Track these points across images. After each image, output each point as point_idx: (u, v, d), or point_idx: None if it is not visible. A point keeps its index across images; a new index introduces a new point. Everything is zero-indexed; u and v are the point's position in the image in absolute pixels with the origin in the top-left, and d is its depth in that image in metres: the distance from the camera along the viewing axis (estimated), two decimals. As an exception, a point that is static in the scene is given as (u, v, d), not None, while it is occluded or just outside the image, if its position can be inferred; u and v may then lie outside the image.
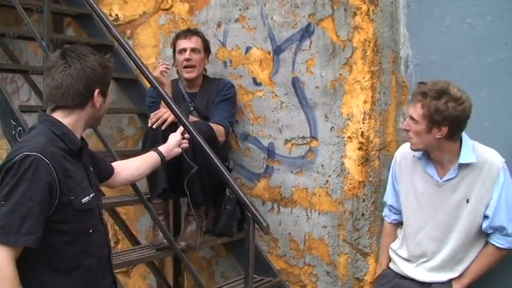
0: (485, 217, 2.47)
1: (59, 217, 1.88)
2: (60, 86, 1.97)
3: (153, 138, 3.03)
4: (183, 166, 2.93)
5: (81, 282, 1.97)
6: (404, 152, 2.68)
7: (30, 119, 3.09)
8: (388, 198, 2.80)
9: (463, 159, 2.46)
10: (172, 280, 3.81)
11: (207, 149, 2.58)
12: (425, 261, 2.60)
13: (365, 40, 2.93)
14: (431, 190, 2.56)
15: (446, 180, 2.52)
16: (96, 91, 2.01)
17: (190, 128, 2.56)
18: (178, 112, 2.64)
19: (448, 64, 2.85)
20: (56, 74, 1.97)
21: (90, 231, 2.00)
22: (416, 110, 2.43)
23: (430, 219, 2.56)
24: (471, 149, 2.47)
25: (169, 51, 3.75)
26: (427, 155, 2.56)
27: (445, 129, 2.40)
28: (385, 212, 2.84)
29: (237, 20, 3.41)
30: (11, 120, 2.95)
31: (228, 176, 2.57)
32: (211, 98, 3.28)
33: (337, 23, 3.01)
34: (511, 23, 2.68)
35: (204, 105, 3.27)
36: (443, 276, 2.56)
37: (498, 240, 2.49)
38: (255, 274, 3.35)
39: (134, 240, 3.35)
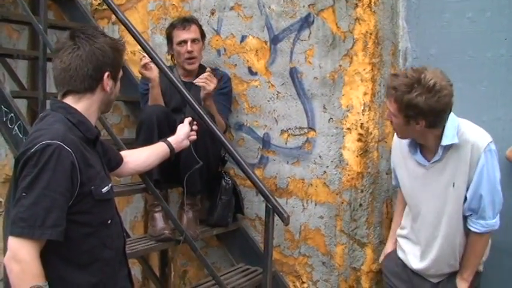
0: (466, 199, 2.42)
1: (78, 208, 1.81)
2: (69, 69, 1.89)
3: (148, 127, 2.97)
4: (182, 157, 2.89)
5: (99, 276, 1.90)
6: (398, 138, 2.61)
7: None
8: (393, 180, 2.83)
9: (444, 141, 2.37)
10: (158, 271, 3.77)
11: (226, 141, 2.54)
12: (424, 249, 2.56)
13: (366, 32, 2.94)
14: (421, 174, 2.51)
15: (432, 163, 2.46)
16: (106, 74, 1.93)
17: (206, 117, 2.51)
18: (195, 103, 2.58)
19: (447, 58, 2.90)
20: (64, 55, 1.89)
21: (109, 222, 1.94)
22: (391, 104, 2.35)
23: (424, 204, 2.53)
24: (455, 130, 2.37)
25: (158, 38, 3.68)
26: (414, 142, 2.50)
27: (422, 122, 2.31)
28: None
29: (232, 8, 3.35)
30: (2, 106, 2.82)
31: (250, 172, 2.53)
32: (208, 89, 3.22)
33: (338, 14, 3.00)
34: (511, 19, 2.75)
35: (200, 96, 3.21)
36: (444, 267, 2.54)
37: (473, 225, 2.44)
38: (248, 264, 3.37)
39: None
